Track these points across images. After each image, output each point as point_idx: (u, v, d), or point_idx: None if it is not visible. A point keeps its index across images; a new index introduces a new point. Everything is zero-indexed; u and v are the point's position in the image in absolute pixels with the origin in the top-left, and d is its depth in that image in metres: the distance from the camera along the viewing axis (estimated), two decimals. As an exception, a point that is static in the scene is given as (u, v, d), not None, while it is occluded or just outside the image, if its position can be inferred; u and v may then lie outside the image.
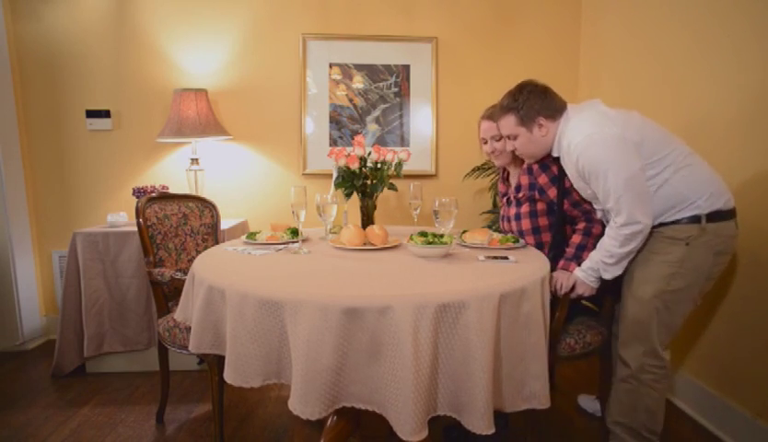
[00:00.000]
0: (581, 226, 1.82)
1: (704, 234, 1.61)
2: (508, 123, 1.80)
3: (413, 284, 1.35)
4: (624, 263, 1.67)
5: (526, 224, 1.87)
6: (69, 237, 2.57)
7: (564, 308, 1.71)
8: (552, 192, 1.82)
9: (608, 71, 2.85)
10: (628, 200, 1.57)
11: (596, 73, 2.99)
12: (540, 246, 1.87)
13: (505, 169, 2.10)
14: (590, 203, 1.83)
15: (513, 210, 1.92)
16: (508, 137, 1.83)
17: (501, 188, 2.12)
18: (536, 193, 1.85)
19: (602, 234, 1.81)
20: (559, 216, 1.84)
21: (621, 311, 1.76)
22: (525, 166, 1.89)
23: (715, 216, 1.62)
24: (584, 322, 1.87)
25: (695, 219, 1.61)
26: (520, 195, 1.89)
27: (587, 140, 1.62)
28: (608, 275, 1.68)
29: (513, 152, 1.94)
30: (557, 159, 1.83)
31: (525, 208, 1.87)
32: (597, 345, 1.83)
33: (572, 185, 1.83)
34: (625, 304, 1.73)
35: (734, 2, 1.93)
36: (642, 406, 1.69)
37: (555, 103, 1.77)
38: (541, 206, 1.85)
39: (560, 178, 1.82)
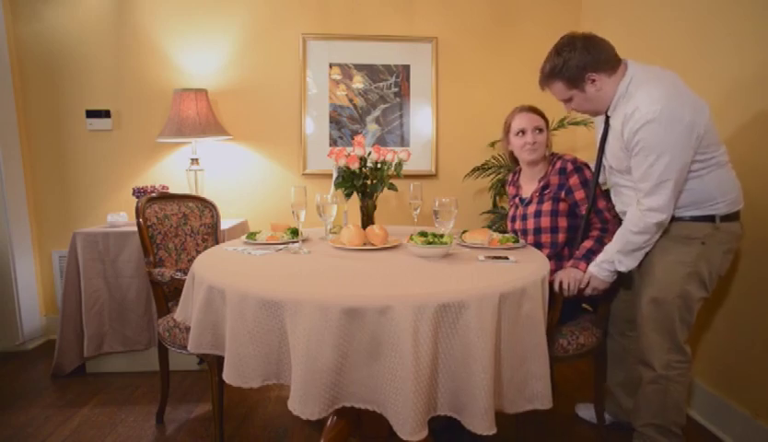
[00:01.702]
0: (595, 233, 1.84)
1: (717, 232, 1.61)
2: (559, 89, 1.72)
3: (413, 284, 1.35)
4: (638, 256, 1.66)
5: (545, 221, 1.88)
6: (69, 237, 2.57)
7: (558, 309, 1.70)
8: (580, 194, 1.85)
9: (608, 71, 2.85)
10: (669, 188, 1.53)
11: (596, 73, 2.99)
12: (554, 245, 1.89)
13: (515, 173, 2.10)
14: (611, 213, 1.86)
15: (533, 207, 1.93)
16: (564, 101, 1.75)
17: (511, 190, 2.12)
18: (562, 193, 1.87)
19: None
20: (584, 219, 1.86)
21: (638, 315, 1.73)
22: (558, 166, 1.91)
23: (727, 216, 1.62)
24: (578, 324, 1.87)
25: (709, 218, 1.61)
26: (546, 192, 1.91)
27: (657, 113, 1.49)
28: (623, 267, 1.67)
29: (547, 146, 1.98)
30: (588, 166, 1.89)
31: (547, 206, 1.89)
32: (590, 347, 1.83)
33: (601, 192, 1.86)
34: (643, 308, 1.70)
35: (735, 0, 1.93)
36: (671, 403, 1.69)
37: (603, 54, 1.63)
38: (563, 207, 1.88)
39: (592, 182, 1.84)
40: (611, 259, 1.69)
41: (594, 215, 1.85)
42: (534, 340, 1.37)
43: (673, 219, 1.63)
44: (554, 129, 2.58)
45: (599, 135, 1.79)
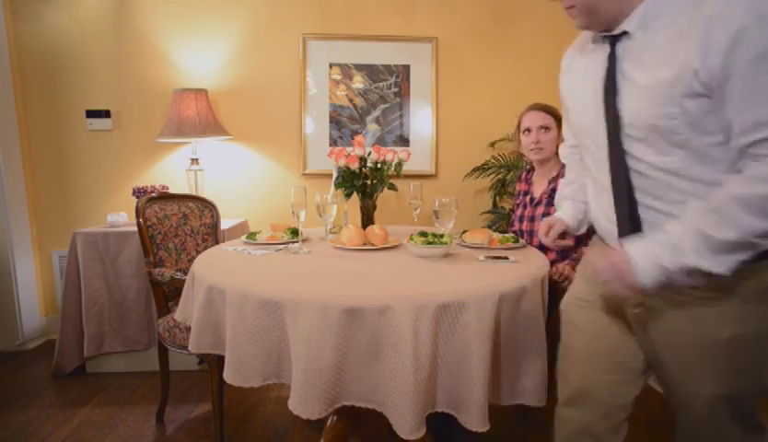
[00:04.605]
0: None
1: None
2: None
3: (413, 284, 1.35)
4: (731, 260, 0.89)
5: None
6: (69, 237, 2.57)
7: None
8: None
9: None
10: None
11: (596, 73, 2.98)
12: (561, 249, 1.86)
13: (529, 171, 2.08)
14: None
15: (541, 209, 1.90)
16: None
17: (522, 187, 2.09)
18: None
19: None
20: None
21: (690, 415, 1.11)
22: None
23: None
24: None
25: None
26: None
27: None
28: (706, 263, 0.89)
29: (554, 147, 1.89)
30: None
31: (555, 209, 1.86)
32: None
33: None
34: (703, 409, 1.05)
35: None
36: None
37: None
38: None
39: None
40: (681, 243, 0.90)
41: None
42: (533, 339, 1.37)
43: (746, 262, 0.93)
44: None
45: (587, 81, 1.09)
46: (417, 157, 3.09)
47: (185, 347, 1.83)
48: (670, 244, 0.91)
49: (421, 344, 1.19)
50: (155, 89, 3.01)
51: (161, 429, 2.11)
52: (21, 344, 2.91)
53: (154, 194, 2.28)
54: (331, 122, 3.11)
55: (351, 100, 3.10)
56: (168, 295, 2.14)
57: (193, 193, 2.75)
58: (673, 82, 0.90)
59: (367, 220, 2.13)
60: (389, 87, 3.11)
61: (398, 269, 1.53)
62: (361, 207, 2.14)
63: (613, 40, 1.01)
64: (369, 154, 2.10)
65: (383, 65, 3.09)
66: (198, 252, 2.31)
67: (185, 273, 1.82)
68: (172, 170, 3.06)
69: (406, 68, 3.10)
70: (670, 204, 0.98)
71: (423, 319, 1.20)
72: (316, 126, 3.11)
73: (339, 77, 3.08)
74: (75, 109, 2.99)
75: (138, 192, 2.68)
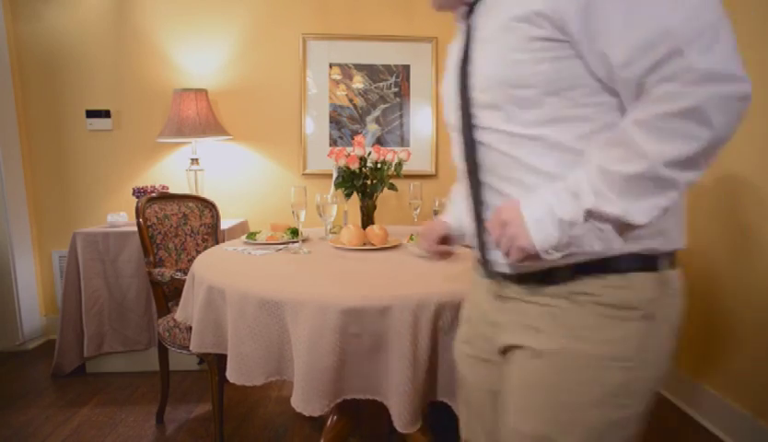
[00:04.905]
0: None
1: (666, 292, 0.79)
2: None
3: (413, 283, 1.35)
4: (650, 205, 0.69)
5: None
6: (69, 237, 2.57)
7: None
8: None
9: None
10: (724, 39, 0.66)
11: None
12: None
13: None
14: None
15: None
16: None
17: None
18: None
19: None
20: None
21: None
22: None
23: (673, 259, 0.81)
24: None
25: (649, 264, 0.77)
26: None
27: None
28: (612, 208, 0.69)
29: None
30: None
31: None
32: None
33: None
34: None
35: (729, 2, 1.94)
36: None
37: None
38: None
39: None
40: (577, 188, 0.71)
41: None
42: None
43: (588, 268, 0.77)
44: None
45: (449, 66, 0.97)
46: (417, 157, 3.09)
47: (185, 347, 1.84)
48: (569, 191, 0.71)
49: (420, 344, 1.20)
50: (155, 89, 3.01)
51: (161, 429, 2.11)
52: (21, 344, 2.91)
53: (154, 194, 2.28)
54: (331, 122, 3.11)
55: (351, 100, 3.10)
56: (168, 295, 2.14)
57: (193, 193, 2.75)
58: (517, 26, 0.74)
59: (367, 220, 2.13)
60: (389, 87, 3.11)
61: (398, 269, 1.53)
62: (361, 207, 2.14)
63: (470, 13, 0.87)
64: (369, 154, 2.10)
65: (383, 65, 3.09)
66: (198, 252, 2.31)
67: (185, 273, 1.82)
68: (172, 170, 3.06)
69: (406, 68, 3.10)
70: (520, 188, 0.78)
71: (422, 318, 1.20)
72: (316, 126, 3.11)
73: (339, 77, 3.08)
74: (75, 109, 2.99)
75: (138, 192, 2.68)
